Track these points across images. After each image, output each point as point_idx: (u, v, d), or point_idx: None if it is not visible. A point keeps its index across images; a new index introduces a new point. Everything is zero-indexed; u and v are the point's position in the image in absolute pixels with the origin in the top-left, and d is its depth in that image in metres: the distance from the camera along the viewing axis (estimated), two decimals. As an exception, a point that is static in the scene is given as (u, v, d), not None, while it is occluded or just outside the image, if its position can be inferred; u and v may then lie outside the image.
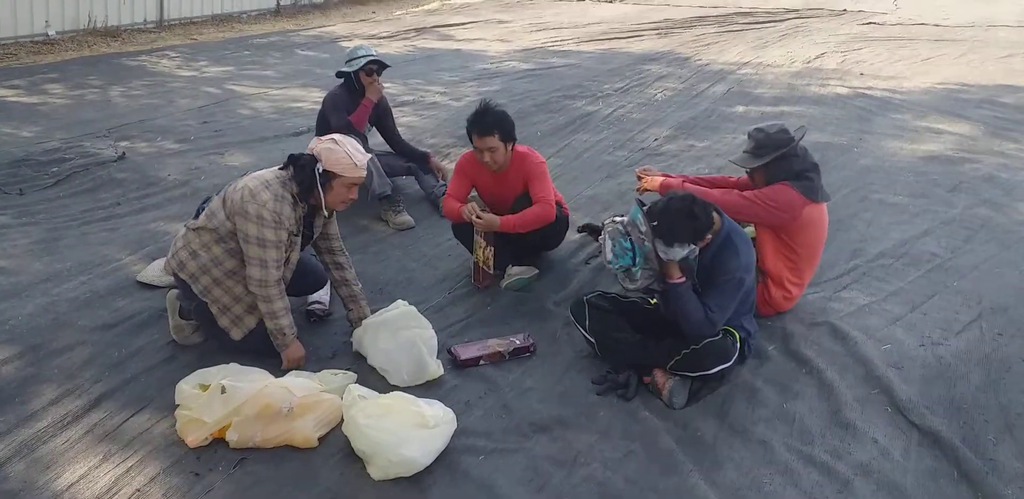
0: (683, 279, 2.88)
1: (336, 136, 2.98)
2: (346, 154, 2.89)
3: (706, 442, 2.70)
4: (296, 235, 3.02)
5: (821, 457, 2.64)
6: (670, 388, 2.86)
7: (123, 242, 4.15)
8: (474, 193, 4.02)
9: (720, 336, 2.92)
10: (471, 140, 3.73)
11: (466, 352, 3.18)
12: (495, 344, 3.23)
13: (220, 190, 3.17)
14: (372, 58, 4.71)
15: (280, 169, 2.99)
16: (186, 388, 2.74)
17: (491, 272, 3.78)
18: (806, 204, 3.34)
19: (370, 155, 2.95)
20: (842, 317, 3.57)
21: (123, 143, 5.76)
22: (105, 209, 4.64)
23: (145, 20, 11.16)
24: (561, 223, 3.91)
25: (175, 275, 3.07)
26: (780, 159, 3.35)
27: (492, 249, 3.73)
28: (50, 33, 9.80)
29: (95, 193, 4.88)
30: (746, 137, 3.47)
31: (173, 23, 11.56)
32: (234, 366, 2.84)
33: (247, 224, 2.86)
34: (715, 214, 2.91)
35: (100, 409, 2.79)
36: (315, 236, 3.18)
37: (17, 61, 8.66)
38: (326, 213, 3.03)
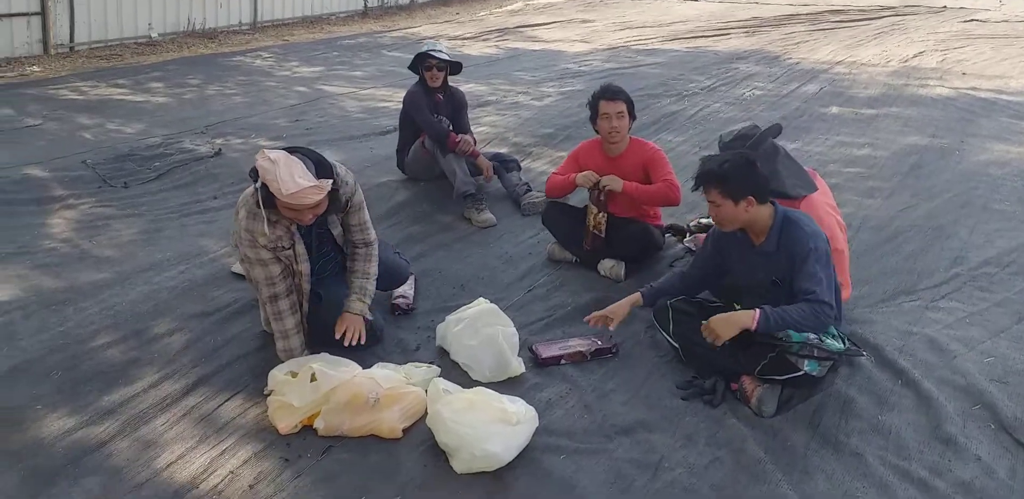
0: (756, 319, 2.73)
1: (279, 155, 2.64)
2: (276, 179, 2.57)
3: (796, 452, 2.62)
4: (287, 249, 2.88)
5: (919, 473, 2.52)
6: (759, 396, 2.79)
7: (219, 234, 4.31)
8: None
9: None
10: (596, 110, 3.80)
11: (547, 351, 3.17)
12: (577, 344, 3.21)
13: None
14: (426, 49, 4.75)
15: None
16: (278, 375, 2.83)
17: (602, 236, 3.82)
18: (797, 201, 3.24)
19: (318, 181, 2.63)
20: (940, 328, 3.41)
21: (219, 140, 5.99)
22: (202, 202, 4.84)
23: (240, 22, 11.60)
24: (656, 243, 3.95)
25: None
26: None
27: (605, 215, 3.78)
28: (153, 35, 10.29)
29: (193, 187, 5.09)
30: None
31: (266, 25, 11.97)
32: (324, 356, 2.91)
33: (240, 249, 2.89)
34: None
35: (196, 393, 2.91)
36: (337, 230, 3.06)
37: (122, 61, 9.12)
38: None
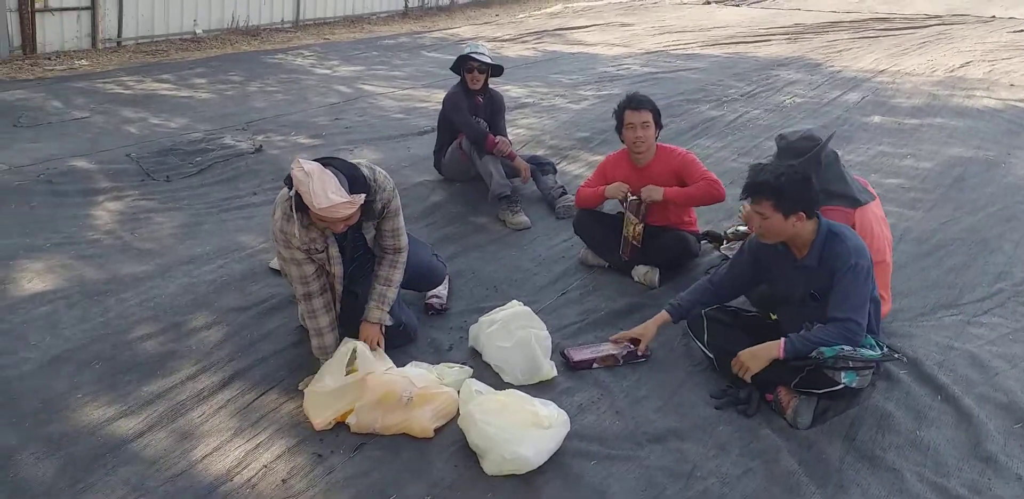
0: (782, 348, 2.73)
1: (314, 168, 2.65)
2: (309, 192, 2.60)
3: (831, 465, 2.58)
4: (320, 251, 2.91)
5: (958, 490, 2.47)
6: (795, 407, 2.75)
7: (258, 230, 4.37)
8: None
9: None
10: (621, 120, 3.77)
11: (579, 354, 3.16)
12: (609, 348, 3.20)
13: None
14: (468, 52, 4.75)
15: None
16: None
17: (639, 246, 3.81)
18: (853, 213, 3.17)
19: (350, 197, 2.66)
20: (982, 343, 3.34)
21: (260, 137, 6.07)
22: (242, 198, 4.91)
23: (283, 20, 11.75)
24: (692, 251, 3.91)
25: None
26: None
27: (642, 225, 3.76)
28: (198, 31, 10.47)
29: (234, 183, 5.16)
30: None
31: (308, 23, 12.11)
32: (363, 347, 2.90)
33: (276, 247, 2.94)
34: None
35: (233, 387, 2.95)
36: (371, 234, 3.07)
37: (167, 57, 9.29)
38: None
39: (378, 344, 3.02)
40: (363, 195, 2.72)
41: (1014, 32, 11.60)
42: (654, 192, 3.72)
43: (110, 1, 9.37)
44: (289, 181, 2.71)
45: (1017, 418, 2.84)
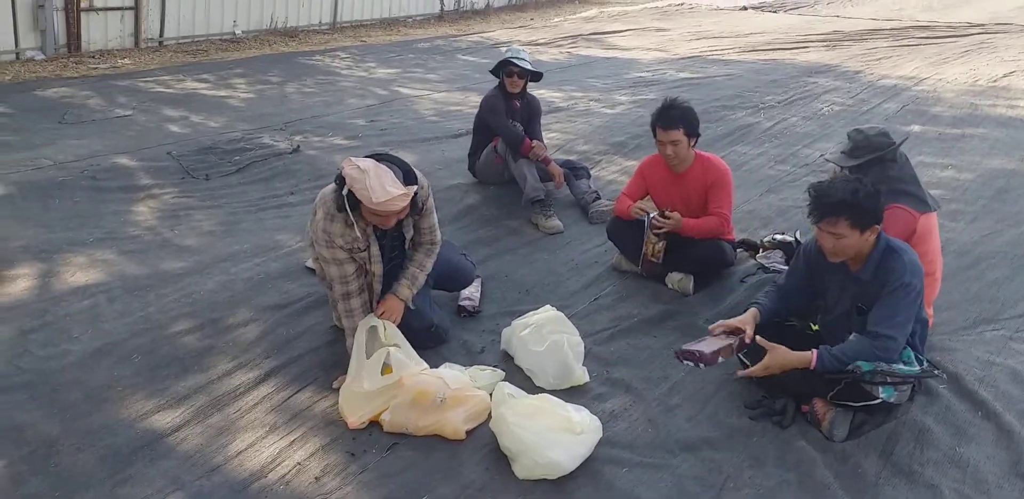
0: (813, 359, 2.68)
1: (368, 164, 2.72)
2: (366, 187, 2.66)
3: (867, 479, 2.54)
4: (362, 250, 2.95)
5: (998, 510, 2.43)
6: (831, 419, 2.71)
7: (294, 229, 4.42)
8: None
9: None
10: (655, 134, 3.74)
11: (707, 347, 2.77)
12: (717, 340, 2.84)
13: None
14: (508, 57, 4.75)
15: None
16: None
17: (659, 263, 3.78)
18: (919, 217, 3.12)
19: (406, 189, 2.73)
20: (1024, 360, 3.27)
21: (297, 137, 6.14)
22: (279, 197, 4.96)
23: (320, 22, 11.88)
24: (727, 260, 3.88)
25: None
26: (876, 162, 3.15)
27: (664, 243, 3.74)
28: (237, 32, 10.62)
29: (271, 182, 5.23)
30: (846, 138, 3.31)
31: (345, 25, 12.23)
32: (395, 350, 2.92)
33: (316, 248, 2.97)
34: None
35: (268, 383, 2.99)
36: (410, 234, 3.13)
37: (207, 57, 9.44)
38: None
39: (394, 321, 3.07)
40: (416, 187, 2.79)
41: (1060, 42, 11.36)
42: (675, 223, 3.68)
43: (153, 1, 9.55)
44: (341, 181, 2.76)
45: (1060, 437, 2.77)
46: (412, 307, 3.14)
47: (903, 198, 3.15)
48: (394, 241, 3.14)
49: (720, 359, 2.77)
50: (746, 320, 2.90)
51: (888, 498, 2.47)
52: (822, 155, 3.42)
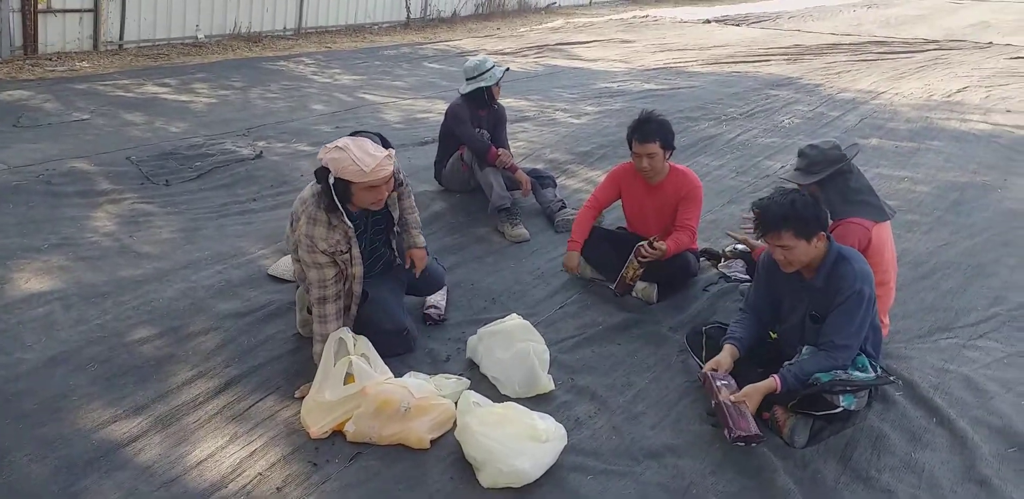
0: (777, 384, 2.72)
1: (343, 141, 2.79)
2: (352, 160, 2.71)
3: (827, 485, 2.58)
4: (345, 252, 2.96)
5: (952, 514, 2.48)
6: (791, 426, 2.76)
7: (256, 236, 4.36)
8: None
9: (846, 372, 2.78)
10: (630, 146, 3.78)
11: (748, 423, 2.66)
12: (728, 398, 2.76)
13: None
14: (505, 66, 4.80)
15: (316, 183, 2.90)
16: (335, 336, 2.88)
17: (632, 285, 3.80)
18: (872, 228, 3.19)
19: (392, 150, 2.83)
20: (977, 367, 3.36)
21: (260, 143, 6.08)
22: (241, 204, 4.90)
23: (285, 27, 11.78)
24: (691, 270, 3.92)
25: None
26: (835, 175, 3.22)
27: (643, 269, 3.75)
28: (200, 36, 10.49)
29: (233, 188, 5.16)
30: (797, 155, 3.38)
31: (310, 31, 12.15)
32: (359, 360, 2.88)
33: (299, 251, 2.96)
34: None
35: (229, 393, 2.94)
36: (396, 215, 3.22)
37: (168, 61, 9.30)
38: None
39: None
40: (394, 151, 2.86)
41: (1011, 58, 11.73)
42: (663, 253, 3.65)
43: (113, 4, 9.39)
44: (323, 173, 2.79)
45: (1011, 442, 2.85)
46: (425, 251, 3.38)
47: (863, 209, 3.22)
48: (375, 235, 3.16)
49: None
50: (724, 360, 2.90)
51: (847, 503, 2.51)
52: (779, 175, 3.48)
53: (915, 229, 4.92)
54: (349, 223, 2.92)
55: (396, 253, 3.37)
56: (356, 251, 3.01)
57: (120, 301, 3.56)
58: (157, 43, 10.01)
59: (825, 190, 3.24)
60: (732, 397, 2.72)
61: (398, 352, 3.19)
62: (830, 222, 3.01)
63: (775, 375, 2.74)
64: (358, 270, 3.05)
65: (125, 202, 4.78)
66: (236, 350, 3.21)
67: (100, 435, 2.65)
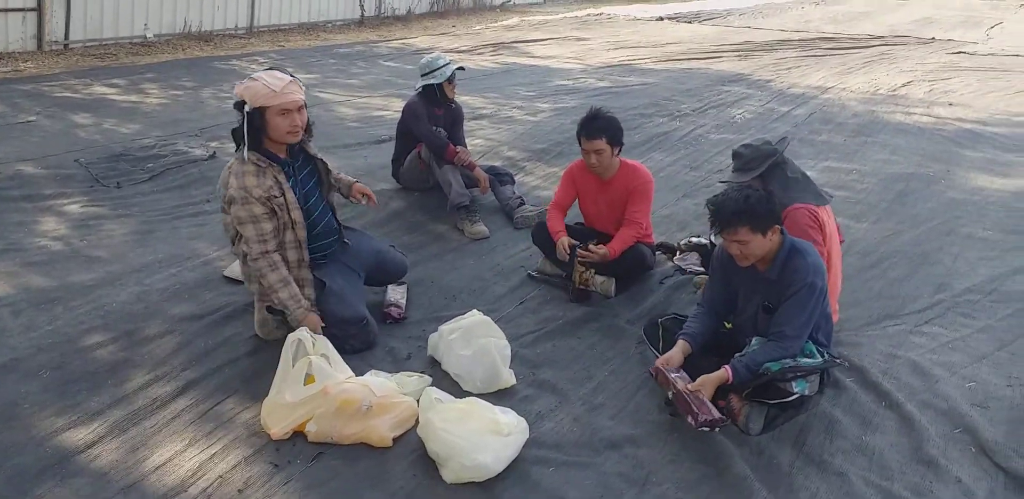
0: (729, 375, 2.78)
1: (254, 75, 3.01)
2: (263, 84, 2.91)
3: (782, 470, 2.65)
4: (279, 196, 3.05)
5: (901, 493, 2.57)
6: (746, 414, 2.82)
7: (211, 238, 4.31)
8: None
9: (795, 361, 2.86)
10: (579, 142, 3.83)
11: (706, 409, 2.71)
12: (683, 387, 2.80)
13: None
14: (457, 65, 4.80)
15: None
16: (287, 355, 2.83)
17: (590, 291, 3.83)
18: (817, 211, 3.30)
19: (294, 78, 3.03)
20: (924, 352, 3.47)
21: (213, 143, 5.99)
22: (195, 205, 4.83)
23: (236, 26, 11.61)
24: (647, 263, 3.99)
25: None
26: (772, 168, 3.33)
27: (592, 271, 3.80)
28: (148, 36, 10.28)
29: (186, 190, 5.08)
30: (732, 158, 3.48)
31: (262, 30, 12.00)
32: (320, 361, 2.86)
33: (231, 209, 3.02)
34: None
35: (187, 396, 2.90)
36: (323, 176, 3.33)
37: (116, 61, 9.11)
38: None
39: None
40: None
41: (953, 53, 12.09)
42: (605, 257, 3.74)
43: (58, 2, 9.16)
44: (240, 106, 2.96)
45: (956, 423, 2.96)
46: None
47: (804, 195, 3.33)
48: (310, 197, 3.22)
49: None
50: (676, 355, 2.94)
51: (801, 487, 2.58)
52: (720, 180, 3.57)
53: (863, 220, 5.06)
54: (274, 162, 3.05)
55: (341, 230, 3.43)
56: (291, 196, 3.08)
57: (71, 306, 3.49)
58: (104, 42, 9.79)
59: (766, 183, 3.34)
60: (688, 387, 2.78)
61: (358, 347, 3.20)
62: None
63: (727, 366, 2.80)
64: (297, 214, 3.10)
65: (74, 205, 4.68)
66: (193, 353, 3.18)
67: (54, 442, 2.60)
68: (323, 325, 3.08)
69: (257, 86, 2.92)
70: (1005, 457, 2.74)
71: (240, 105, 2.95)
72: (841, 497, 2.55)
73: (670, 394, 2.83)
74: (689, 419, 2.71)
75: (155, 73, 8.47)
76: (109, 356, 3.14)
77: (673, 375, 2.85)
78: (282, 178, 3.07)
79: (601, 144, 3.77)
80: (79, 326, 3.33)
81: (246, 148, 3.02)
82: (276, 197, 3.03)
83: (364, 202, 3.56)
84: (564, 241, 3.84)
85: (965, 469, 2.70)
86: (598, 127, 3.77)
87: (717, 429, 2.71)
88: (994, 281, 4.19)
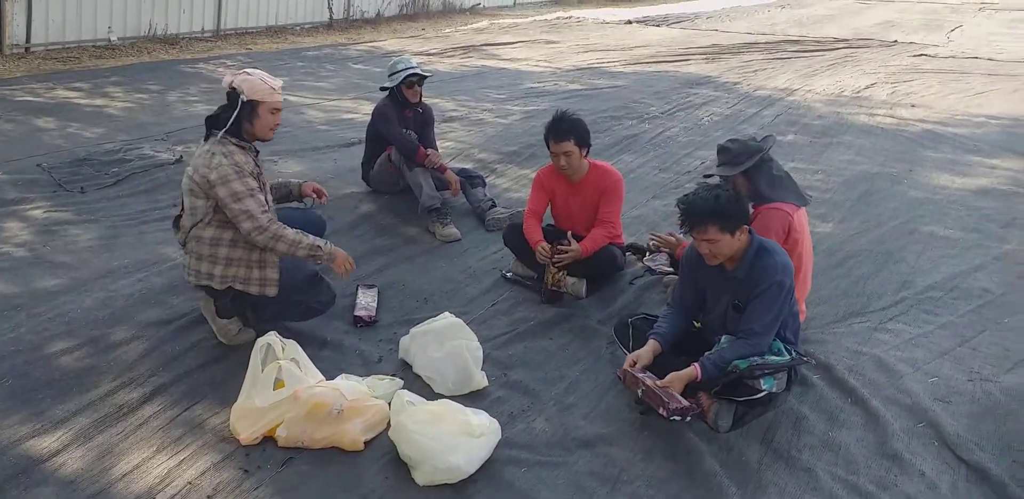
0: (698, 372, 2.82)
1: (247, 70, 3.15)
2: (261, 81, 3.06)
3: (750, 467, 2.69)
4: (259, 176, 3.18)
5: (867, 487, 2.61)
6: (715, 411, 2.86)
7: (178, 242, 4.24)
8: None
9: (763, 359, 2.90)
10: (548, 146, 3.86)
11: (671, 398, 2.75)
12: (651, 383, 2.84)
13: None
14: (411, 72, 4.77)
15: (205, 139, 3.16)
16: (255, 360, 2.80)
17: (562, 291, 3.85)
18: (795, 211, 3.36)
19: (280, 81, 3.19)
20: (888, 349, 3.54)
21: (179, 147, 5.92)
22: (162, 210, 4.77)
23: (203, 29, 11.48)
24: (618, 264, 4.01)
25: (198, 287, 3.23)
26: (759, 164, 3.38)
27: (563, 272, 3.82)
28: (112, 39, 10.12)
29: (152, 194, 5.02)
30: (717, 153, 3.52)
31: (229, 33, 11.87)
32: (289, 364, 2.84)
33: (219, 189, 3.02)
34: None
35: (154, 402, 2.87)
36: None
37: (80, 65, 8.96)
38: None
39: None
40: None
41: (914, 56, 12.35)
42: (576, 252, 3.78)
43: (18, 5, 8.98)
44: (233, 96, 3.04)
45: (919, 418, 3.02)
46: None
47: (789, 195, 3.40)
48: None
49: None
50: (646, 354, 2.96)
51: (769, 482, 2.62)
52: (706, 172, 3.61)
53: (829, 219, 5.15)
54: (252, 145, 3.17)
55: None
56: (264, 177, 3.23)
57: (35, 313, 3.43)
58: (67, 46, 9.62)
59: (751, 179, 3.38)
60: (658, 383, 2.80)
61: (325, 302, 3.32)
62: (752, 209, 3.13)
63: (695, 364, 2.84)
64: (267, 196, 3.22)
65: (37, 211, 4.59)
66: (160, 359, 3.14)
67: (18, 451, 2.56)
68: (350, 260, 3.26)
69: (255, 80, 3.05)
70: (967, 450, 2.81)
71: (235, 94, 3.03)
72: (809, 492, 2.59)
73: (640, 392, 2.85)
74: (661, 410, 2.73)
75: (119, 77, 8.35)
76: (74, 363, 3.09)
77: (640, 375, 2.87)
78: (258, 160, 3.21)
79: (569, 145, 3.79)
80: (43, 333, 3.27)
81: (228, 132, 3.08)
82: (259, 175, 3.17)
83: (316, 199, 3.69)
84: (543, 246, 3.85)
85: (928, 463, 2.75)
86: (565, 129, 3.80)
87: (688, 418, 2.74)
88: (955, 278, 4.28)
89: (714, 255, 2.90)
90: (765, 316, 2.85)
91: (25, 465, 2.49)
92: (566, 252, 3.77)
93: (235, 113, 3.03)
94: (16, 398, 2.83)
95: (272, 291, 3.18)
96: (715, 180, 3.40)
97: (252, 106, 3.05)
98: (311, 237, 3.16)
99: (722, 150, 3.48)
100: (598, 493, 2.53)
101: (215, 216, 3.09)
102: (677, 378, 2.81)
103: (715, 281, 3.05)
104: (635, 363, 2.94)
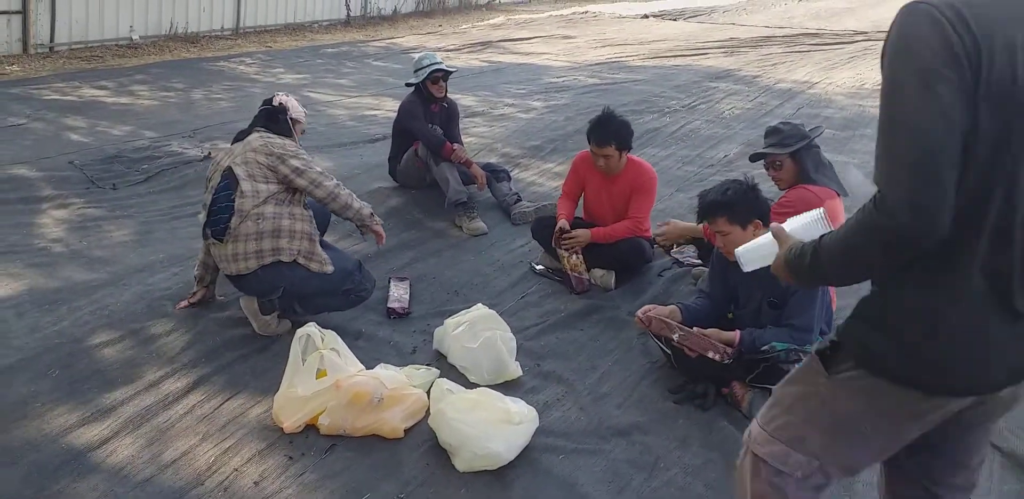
0: (737, 338, 2.86)
1: (283, 95, 3.58)
2: (298, 104, 3.59)
3: (786, 453, 2.71)
4: None
5: (902, 474, 2.63)
6: (750, 400, 2.88)
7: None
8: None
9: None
10: (589, 142, 3.91)
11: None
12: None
13: (214, 194, 3.30)
14: (436, 67, 4.82)
15: (251, 130, 3.43)
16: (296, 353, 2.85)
17: (584, 278, 3.88)
18: (827, 198, 3.37)
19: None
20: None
21: (207, 144, 5.99)
22: (192, 205, 4.83)
23: (223, 27, 11.59)
24: (646, 257, 4.04)
25: (259, 271, 3.20)
26: (808, 148, 3.44)
27: (578, 256, 3.85)
28: (134, 37, 10.24)
29: (182, 190, 5.09)
30: (764, 135, 3.59)
31: (248, 31, 11.97)
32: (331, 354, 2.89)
33: (292, 160, 3.25)
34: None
35: (197, 392, 2.93)
36: None
37: (103, 63, 9.07)
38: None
39: None
40: None
41: (933, 48, 12.22)
42: (583, 238, 3.89)
43: (42, 5, 9.11)
44: (281, 109, 3.48)
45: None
46: None
47: (832, 183, 3.45)
48: None
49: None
50: (662, 309, 3.08)
51: (805, 470, 2.64)
52: (752, 156, 3.63)
53: (851, 211, 5.12)
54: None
55: None
56: None
57: (75, 307, 3.51)
58: (90, 45, 9.75)
59: (800, 160, 3.44)
60: (695, 330, 2.84)
61: (370, 289, 3.46)
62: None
63: (737, 330, 2.86)
64: None
65: (72, 207, 4.68)
66: (201, 350, 3.20)
67: (68, 439, 2.62)
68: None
69: (296, 106, 3.57)
70: (1002, 438, 2.82)
71: (283, 109, 3.48)
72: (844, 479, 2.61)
73: (676, 336, 2.86)
74: (711, 354, 2.78)
75: (144, 75, 8.45)
76: (117, 354, 3.15)
77: (670, 321, 2.90)
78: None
79: (610, 150, 3.86)
80: (85, 326, 3.34)
81: (272, 131, 3.41)
82: None
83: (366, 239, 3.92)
84: (563, 223, 3.94)
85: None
86: (607, 134, 3.84)
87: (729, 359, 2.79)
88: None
89: (728, 249, 2.93)
90: (808, 310, 2.86)
91: (76, 453, 2.56)
92: (572, 237, 3.82)
93: (287, 119, 3.47)
94: (63, 388, 2.90)
95: (329, 268, 3.28)
96: (759, 162, 3.52)
97: (293, 123, 3.52)
98: (364, 205, 3.51)
99: (773, 131, 3.53)
100: (635, 479, 2.56)
101: (276, 195, 3.24)
102: (715, 332, 2.84)
103: (744, 278, 3.05)
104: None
